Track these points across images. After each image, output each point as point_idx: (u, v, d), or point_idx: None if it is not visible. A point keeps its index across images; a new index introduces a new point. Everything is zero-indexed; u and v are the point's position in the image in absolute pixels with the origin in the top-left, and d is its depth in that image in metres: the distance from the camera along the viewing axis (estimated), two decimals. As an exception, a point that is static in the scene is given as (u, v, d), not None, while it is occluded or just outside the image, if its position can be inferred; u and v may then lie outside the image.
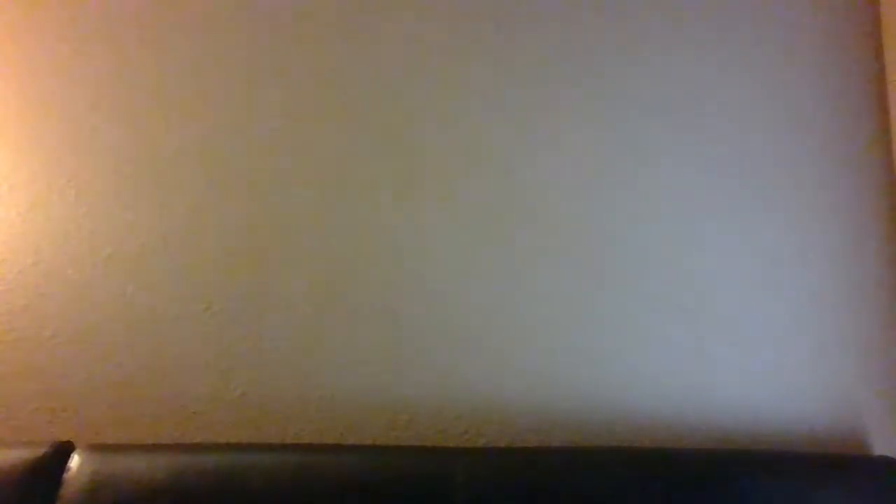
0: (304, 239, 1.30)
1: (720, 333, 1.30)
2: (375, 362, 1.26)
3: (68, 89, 1.35)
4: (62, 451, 1.07)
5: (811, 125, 1.38)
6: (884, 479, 1.14)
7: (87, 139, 1.33)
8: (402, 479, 1.07)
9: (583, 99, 1.37)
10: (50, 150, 1.32)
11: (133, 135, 1.33)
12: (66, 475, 1.04)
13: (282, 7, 1.39)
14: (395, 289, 1.29)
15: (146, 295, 1.27)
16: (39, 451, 1.06)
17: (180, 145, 1.33)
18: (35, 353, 1.24)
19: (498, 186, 1.34)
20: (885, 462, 1.19)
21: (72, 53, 1.36)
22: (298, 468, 1.07)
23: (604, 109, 1.37)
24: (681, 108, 1.37)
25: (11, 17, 1.37)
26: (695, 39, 1.40)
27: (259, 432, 1.23)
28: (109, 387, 1.24)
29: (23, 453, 1.06)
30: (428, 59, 1.38)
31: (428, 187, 1.33)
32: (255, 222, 1.31)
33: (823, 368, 1.30)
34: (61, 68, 1.35)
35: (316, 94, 1.36)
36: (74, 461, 1.06)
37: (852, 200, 1.36)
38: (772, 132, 1.37)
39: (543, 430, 1.25)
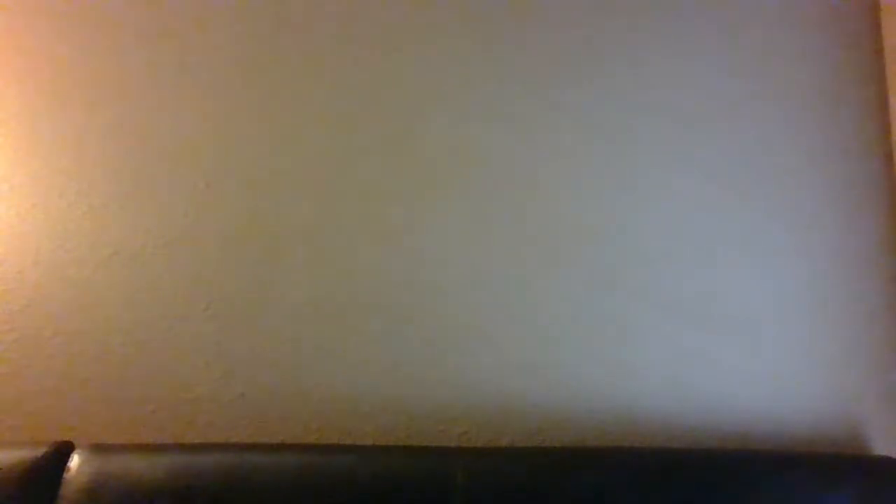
0: (304, 239, 1.30)
1: (720, 334, 1.30)
2: (375, 362, 1.26)
3: (68, 89, 1.35)
4: (62, 451, 1.07)
5: (811, 125, 1.38)
6: (884, 479, 1.14)
7: (87, 139, 1.33)
8: (402, 479, 1.07)
9: (584, 100, 1.37)
10: (50, 150, 1.32)
11: (133, 135, 1.33)
12: (66, 475, 1.04)
13: (283, 8, 1.39)
14: (395, 289, 1.29)
15: (146, 295, 1.27)
16: (39, 451, 1.06)
17: (180, 145, 1.33)
18: (35, 353, 1.24)
19: (499, 187, 1.34)
20: (885, 462, 1.19)
21: (72, 53, 1.36)
22: (298, 468, 1.07)
23: (605, 110, 1.37)
24: (682, 108, 1.37)
25: (11, 17, 1.37)
26: (695, 40, 1.40)
27: (259, 432, 1.23)
28: (109, 387, 1.24)
29: (23, 453, 1.06)
30: (428, 60, 1.38)
31: (428, 187, 1.33)
32: (256, 222, 1.31)
33: (824, 369, 1.30)
34: (61, 68, 1.35)
35: (317, 95, 1.36)
36: (74, 461, 1.06)
37: (852, 201, 1.36)
38: (772, 133, 1.37)
39: (543, 430, 1.25)
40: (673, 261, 1.32)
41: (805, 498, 1.10)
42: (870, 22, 1.43)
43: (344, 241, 1.31)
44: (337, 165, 1.33)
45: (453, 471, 1.08)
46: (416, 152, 1.35)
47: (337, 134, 1.35)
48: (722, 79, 1.39)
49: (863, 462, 1.21)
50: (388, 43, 1.38)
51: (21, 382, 1.23)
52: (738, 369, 1.29)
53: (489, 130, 1.36)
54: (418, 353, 1.27)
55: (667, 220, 1.34)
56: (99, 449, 1.09)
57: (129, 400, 1.23)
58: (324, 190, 1.32)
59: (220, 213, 1.31)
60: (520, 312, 1.29)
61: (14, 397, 1.22)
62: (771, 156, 1.37)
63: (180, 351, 1.25)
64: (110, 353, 1.25)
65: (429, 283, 1.30)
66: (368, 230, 1.31)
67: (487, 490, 1.07)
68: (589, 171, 1.35)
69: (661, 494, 1.08)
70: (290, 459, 1.09)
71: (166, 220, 1.30)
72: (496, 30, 1.39)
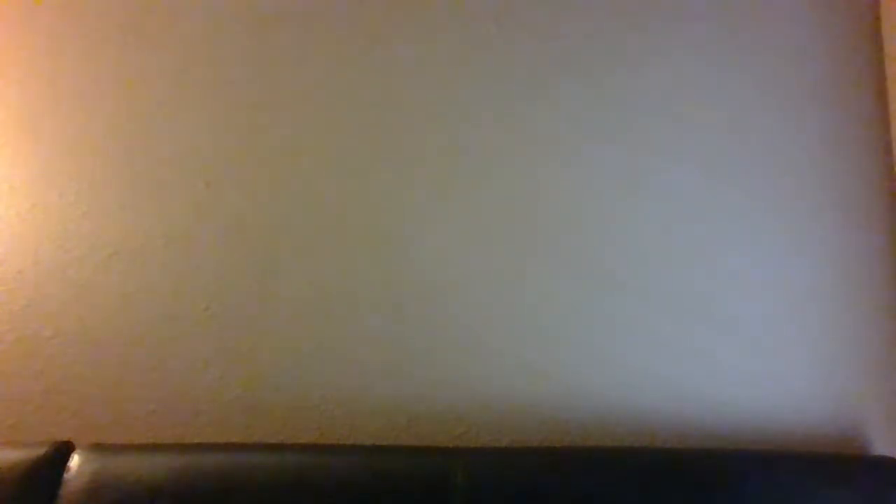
0: (303, 239, 1.30)
1: (720, 333, 1.30)
2: (375, 362, 1.26)
3: (68, 90, 1.35)
4: (62, 451, 1.07)
5: (811, 125, 1.38)
6: (884, 479, 1.14)
7: (86, 139, 1.33)
8: (402, 479, 1.07)
9: (584, 99, 1.37)
10: (50, 150, 1.32)
11: (133, 135, 1.33)
12: (66, 475, 1.04)
13: (281, 8, 1.39)
14: (395, 289, 1.29)
15: (146, 295, 1.27)
16: (39, 451, 1.06)
17: (180, 146, 1.33)
18: (35, 353, 1.24)
19: (499, 187, 1.34)
20: (885, 462, 1.19)
21: (72, 54, 1.36)
22: (298, 468, 1.07)
23: (605, 110, 1.37)
24: (682, 108, 1.37)
25: (11, 18, 1.37)
26: (695, 39, 1.40)
27: (259, 432, 1.23)
28: (109, 387, 1.24)
29: (23, 453, 1.06)
30: (429, 60, 1.38)
31: (428, 187, 1.33)
32: (255, 222, 1.31)
33: (823, 368, 1.30)
34: (61, 69, 1.35)
35: (316, 95, 1.36)
36: (74, 461, 1.06)
37: (852, 200, 1.36)
38: (772, 133, 1.37)
39: (543, 430, 1.25)
40: (673, 261, 1.32)
41: (805, 498, 1.10)
42: (870, 22, 1.43)
43: (344, 241, 1.31)
44: (336, 165, 1.33)
45: (453, 471, 1.08)
46: (416, 152, 1.35)
47: (336, 134, 1.35)
48: (722, 79, 1.39)
49: (863, 462, 1.21)
50: (388, 43, 1.38)
51: (21, 382, 1.23)
52: (738, 369, 1.28)
53: (489, 130, 1.36)
54: (418, 353, 1.27)
55: (667, 219, 1.34)
56: (99, 449, 1.09)
57: (129, 400, 1.23)
58: (323, 190, 1.32)
59: (220, 213, 1.31)
60: (519, 312, 1.29)
61: (14, 397, 1.22)
62: (771, 155, 1.37)
63: (180, 351, 1.25)
64: (110, 353, 1.25)
65: (429, 283, 1.30)
66: (368, 230, 1.31)
67: (487, 490, 1.07)
68: (589, 170, 1.35)
69: (661, 494, 1.08)
70: (290, 459, 1.09)
71: (166, 220, 1.30)
72: (496, 29, 1.39)
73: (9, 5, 1.37)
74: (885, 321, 1.32)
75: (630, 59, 1.39)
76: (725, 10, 1.41)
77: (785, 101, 1.39)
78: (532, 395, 1.26)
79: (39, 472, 1.04)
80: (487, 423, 1.25)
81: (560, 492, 1.08)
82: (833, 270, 1.33)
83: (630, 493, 1.08)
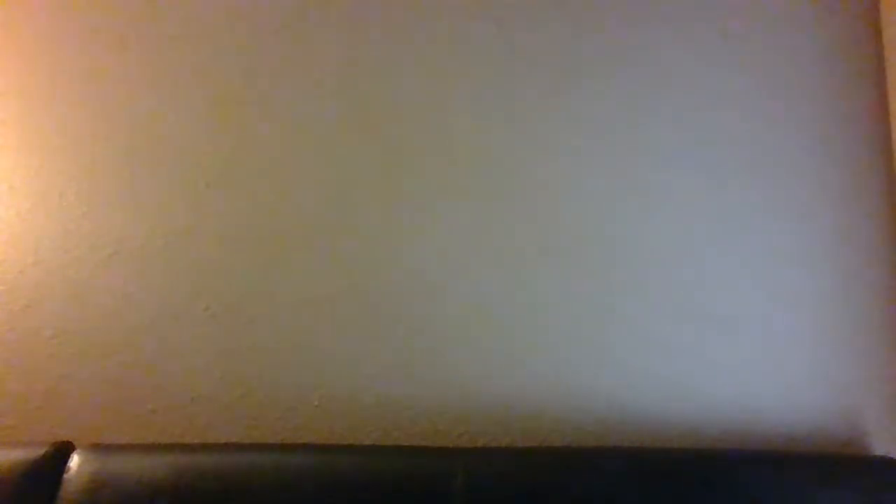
0: (304, 239, 1.30)
1: (720, 333, 1.30)
2: (375, 362, 1.26)
3: (68, 90, 1.35)
4: (62, 451, 1.07)
5: (811, 125, 1.38)
6: (884, 479, 1.14)
7: (87, 139, 1.33)
8: (402, 479, 1.07)
9: (585, 100, 1.37)
10: (50, 150, 1.32)
11: (133, 135, 1.33)
12: (66, 475, 1.04)
13: (281, 8, 1.39)
14: (395, 289, 1.29)
15: (146, 295, 1.27)
16: (39, 451, 1.06)
17: (180, 145, 1.33)
18: (35, 353, 1.24)
19: (500, 188, 1.34)
20: (885, 462, 1.19)
21: (72, 54, 1.36)
22: (298, 468, 1.07)
23: (605, 110, 1.37)
24: (682, 109, 1.38)
25: (12, 18, 1.37)
26: (696, 40, 1.40)
27: (259, 432, 1.23)
28: (109, 387, 1.24)
29: (23, 453, 1.06)
30: (428, 60, 1.38)
31: (430, 187, 1.33)
32: (255, 222, 1.31)
33: (823, 368, 1.30)
34: (61, 69, 1.35)
35: (316, 95, 1.36)
36: (74, 461, 1.06)
37: (852, 200, 1.36)
38: (772, 133, 1.37)
39: (543, 430, 1.25)
40: (673, 261, 1.32)
41: (805, 498, 1.09)
42: (870, 22, 1.43)
43: (344, 242, 1.31)
44: (337, 166, 1.33)
45: (453, 471, 1.08)
46: (416, 152, 1.35)
47: (337, 134, 1.35)
48: (722, 79, 1.39)
49: (863, 462, 1.21)
50: (390, 44, 1.38)
51: (21, 382, 1.23)
52: (738, 369, 1.28)
53: (489, 130, 1.36)
54: (418, 353, 1.27)
55: (666, 219, 1.33)
56: (99, 449, 1.09)
57: (129, 400, 1.23)
58: (324, 190, 1.32)
59: (220, 213, 1.31)
60: (520, 313, 1.29)
61: (14, 397, 1.22)
62: (771, 155, 1.37)
63: (180, 351, 1.25)
64: (110, 353, 1.25)
65: (429, 283, 1.30)
66: (369, 230, 1.31)
67: (487, 490, 1.07)
68: (588, 170, 1.35)
69: (660, 494, 1.08)
70: (291, 459, 1.09)
71: (166, 220, 1.30)
72: (496, 29, 1.39)
73: (9, 5, 1.37)
74: (884, 321, 1.32)
75: (630, 60, 1.39)
76: (727, 11, 1.41)
77: (785, 101, 1.39)
78: (532, 395, 1.26)
79: (39, 472, 1.04)
80: (487, 423, 1.25)
81: (560, 492, 1.07)
82: (833, 271, 1.33)
83: (630, 493, 1.08)
